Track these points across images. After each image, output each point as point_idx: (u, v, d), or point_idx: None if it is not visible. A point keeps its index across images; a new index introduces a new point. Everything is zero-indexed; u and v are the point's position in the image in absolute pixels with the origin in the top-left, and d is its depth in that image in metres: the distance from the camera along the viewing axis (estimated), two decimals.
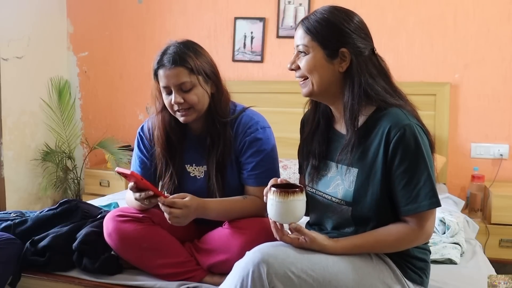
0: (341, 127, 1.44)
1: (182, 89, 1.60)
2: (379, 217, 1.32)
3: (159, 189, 1.71)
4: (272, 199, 1.30)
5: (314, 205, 1.46)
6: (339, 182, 1.38)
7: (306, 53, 1.36)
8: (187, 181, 1.74)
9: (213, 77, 1.66)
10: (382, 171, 1.30)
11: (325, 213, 1.42)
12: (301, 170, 1.58)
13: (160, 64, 1.61)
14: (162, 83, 1.62)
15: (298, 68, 1.39)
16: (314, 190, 1.46)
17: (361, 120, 1.35)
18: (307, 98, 1.49)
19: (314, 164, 1.46)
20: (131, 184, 1.53)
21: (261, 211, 1.67)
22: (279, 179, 1.39)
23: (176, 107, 1.62)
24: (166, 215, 1.51)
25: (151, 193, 1.50)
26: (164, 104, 1.67)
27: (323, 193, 1.42)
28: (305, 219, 1.56)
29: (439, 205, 1.27)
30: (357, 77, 1.33)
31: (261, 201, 1.65)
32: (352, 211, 1.34)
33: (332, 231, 1.41)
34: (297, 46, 1.38)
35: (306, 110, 1.54)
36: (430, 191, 1.26)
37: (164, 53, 1.62)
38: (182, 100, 1.60)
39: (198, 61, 1.61)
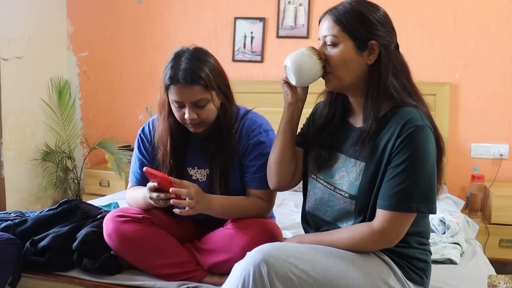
0: (355, 121, 1.43)
1: (196, 105, 1.57)
2: None
3: None
4: (301, 50, 1.36)
5: (315, 192, 1.45)
6: (344, 174, 1.38)
7: (335, 44, 1.34)
8: None
9: (224, 88, 1.64)
10: (386, 166, 1.29)
11: (326, 202, 1.42)
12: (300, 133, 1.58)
13: (173, 80, 1.55)
14: (175, 98, 1.57)
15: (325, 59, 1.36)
16: (316, 177, 1.46)
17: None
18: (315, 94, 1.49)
19: (323, 154, 1.44)
20: (153, 184, 1.50)
21: (263, 213, 1.67)
22: None
23: (188, 121, 1.60)
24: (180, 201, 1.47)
25: (173, 196, 1.47)
26: (171, 112, 1.64)
27: (326, 182, 1.42)
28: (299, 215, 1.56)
29: (403, 210, 1.25)
30: (384, 70, 1.32)
31: (263, 203, 1.66)
32: (355, 204, 1.34)
33: (328, 223, 1.41)
34: (325, 37, 1.35)
35: (319, 100, 1.53)
36: (408, 196, 1.24)
37: (176, 67, 1.56)
38: (196, 116, 1.57)
39: (211, 75, 1.57)
